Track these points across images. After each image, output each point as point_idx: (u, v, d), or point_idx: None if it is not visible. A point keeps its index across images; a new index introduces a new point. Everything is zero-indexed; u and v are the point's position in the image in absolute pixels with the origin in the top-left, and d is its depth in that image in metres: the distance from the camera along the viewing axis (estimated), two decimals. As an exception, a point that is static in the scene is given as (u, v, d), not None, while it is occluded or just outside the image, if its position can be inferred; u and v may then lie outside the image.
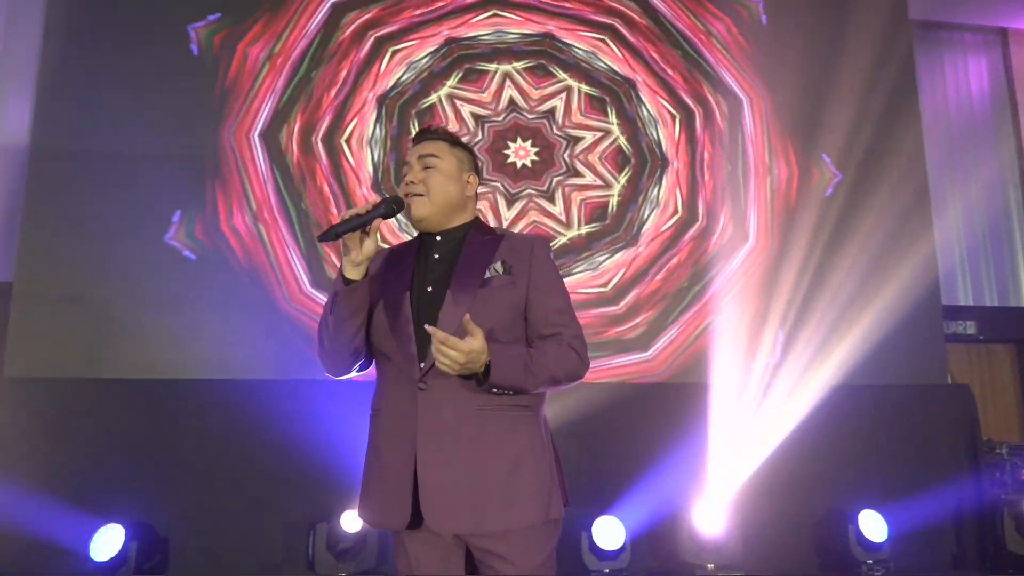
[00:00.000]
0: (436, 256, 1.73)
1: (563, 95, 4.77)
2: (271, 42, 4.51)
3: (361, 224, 1.59)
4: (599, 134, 4.77)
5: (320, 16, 4.59)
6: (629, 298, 4.58)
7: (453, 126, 4.64)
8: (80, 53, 4.35)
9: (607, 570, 4.00)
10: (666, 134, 4.83)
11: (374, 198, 1.72)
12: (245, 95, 4.44)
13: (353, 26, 4.61)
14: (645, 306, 4.59)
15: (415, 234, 1.84)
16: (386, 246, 1.86)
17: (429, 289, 1.68)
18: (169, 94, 4.35)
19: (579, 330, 1.72)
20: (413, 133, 1.98)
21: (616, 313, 4.55)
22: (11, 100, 4.48)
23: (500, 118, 4.71)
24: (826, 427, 4.36)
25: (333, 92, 4.55)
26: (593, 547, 4.00)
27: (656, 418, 4.27)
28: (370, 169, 4.51)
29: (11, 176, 4.42)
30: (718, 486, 4.21)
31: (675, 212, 4.76)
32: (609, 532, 4.03)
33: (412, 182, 1.72)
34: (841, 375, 4.57)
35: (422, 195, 1.71)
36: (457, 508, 1.55)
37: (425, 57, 4.66)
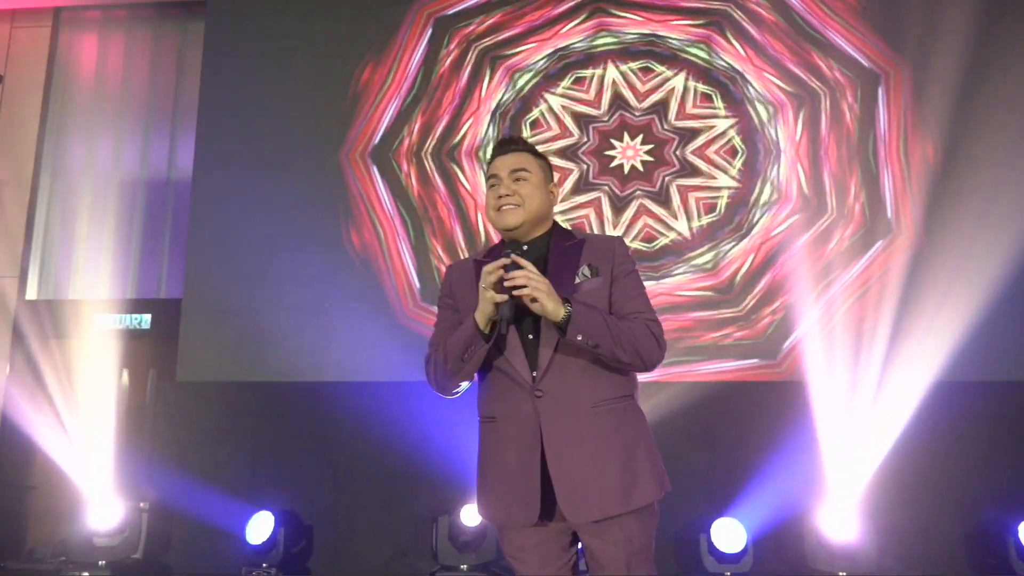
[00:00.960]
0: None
1: (671, 89, 4.73)
2: (383, 65, 4.87)
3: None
4: (712, 127, 4.68)
5: (426, 34, 4.88)
6: (749, 298, 4.44)
7: (558, 131, 4.75)
8: (231, 92, 4.94)
9: (728, 574, 3.91)
10: (784, 121, 4.64)
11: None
12: (363, 115, 4.82)
13: (457, 40, 4.86)
14: (766, 306, 4.43)
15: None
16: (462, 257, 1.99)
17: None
18: (302, 119, 4.82)
19: (656, 318, 1.79)
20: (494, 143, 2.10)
21: (737, 315, 4.42)
22: (181, 139, 5.17)
23: (606, 119, 4.75)
24: (966, 426, 3.98)
25: (444, 108, 4.81)
26: (712, 549, 3.93)
27: (771, 416, 4.11)
28: (483, 183, 4.71)
29: (179, 208, 5.07)
30: (844, 488, 3.97)
31: (797, 204, 4.56)
32: (729, 534, 3.93)
33: (506, 195, 1.81)
34: (985, 371, 4.15)
35: (518, 206, 1.81)
36: (589, 498, 1.67)
37: (537, 63, 4.81)
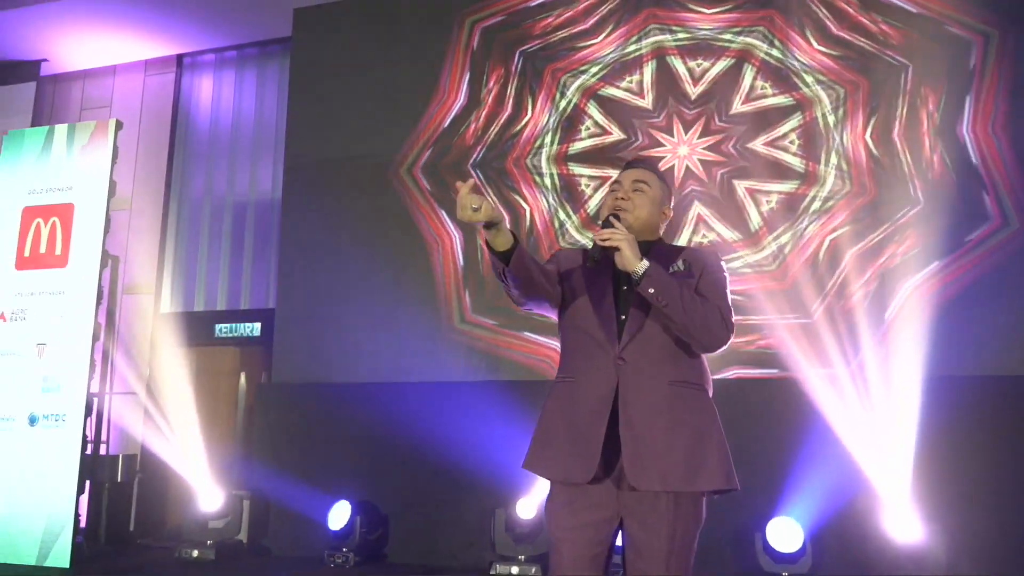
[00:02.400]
0: (592, 260, 1.88)
1: (730, 80, 4.65)
2: (436, 82, 5.16)
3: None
4: (775, 118, 4.56)
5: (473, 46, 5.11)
6: (816, 298, 4.30)
7: (608, 131, 4.81)
8: (312, 119, 5.44)
9: (785, 574, 3.84)
10: (852, 108, 4.43)
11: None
12: (418, 131, 5.14)
13: (502, 48, 5.05)
14: (832, 304, 4.27)
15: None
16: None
17: (624, 288, 1.90)
18: (372, 139, 5.22)
19: (729, 307, 1.89)
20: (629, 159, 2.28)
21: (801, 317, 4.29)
22: (261, 164, 5.72)
23: (656, 115, 4.76)
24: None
25: (494, 118, 5.02)
26: (768, 548, 3.87)
27: (823, 413, 3.98)
28: (548, 184, 4.88)
29: (265, 226, 5.61)
30: (905, 489, 3.77)
31: (872, 193, 4.35)
32: (785, 533, 3.86)
33: (622, 198, 1.98)
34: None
35: (628, 210, 1.96)
36: (655, 466, 1.72)
37: (586, 65, 4.91)
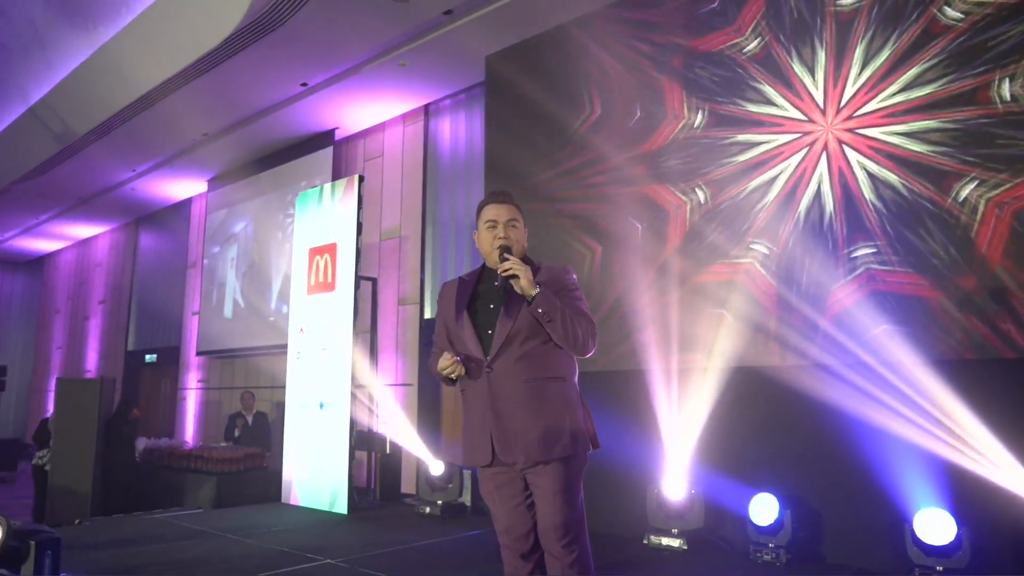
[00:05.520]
0: (496, 283, 2.44)
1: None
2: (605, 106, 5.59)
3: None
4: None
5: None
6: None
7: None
8: (508, 148, 6.29)
9: (939, 567, 3.60)
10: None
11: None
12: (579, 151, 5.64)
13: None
14: None
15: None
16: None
17: (491, 306, 2.48)
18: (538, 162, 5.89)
19: (592, 320, 2.39)
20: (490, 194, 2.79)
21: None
22: (479, 188, 6.71)
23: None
24: None
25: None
26: (916, 540, 3.66)
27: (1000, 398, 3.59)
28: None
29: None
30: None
31: None
32: (935, 525, 3.61)
33: (505, 237, 2.49)
34: None
35: (511, 247, 2.49)
36: (516, 446, 2.32)
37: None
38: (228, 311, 10.12)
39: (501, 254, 2.38)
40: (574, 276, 2.48)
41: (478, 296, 2.50)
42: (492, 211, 2.50)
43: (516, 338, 2.32)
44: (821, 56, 4.53)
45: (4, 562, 2.88)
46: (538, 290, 2.29)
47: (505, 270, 2.31)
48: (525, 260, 2.47)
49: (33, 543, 2.90)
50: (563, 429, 2.28)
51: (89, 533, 5.35)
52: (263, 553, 4.52)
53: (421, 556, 4.47)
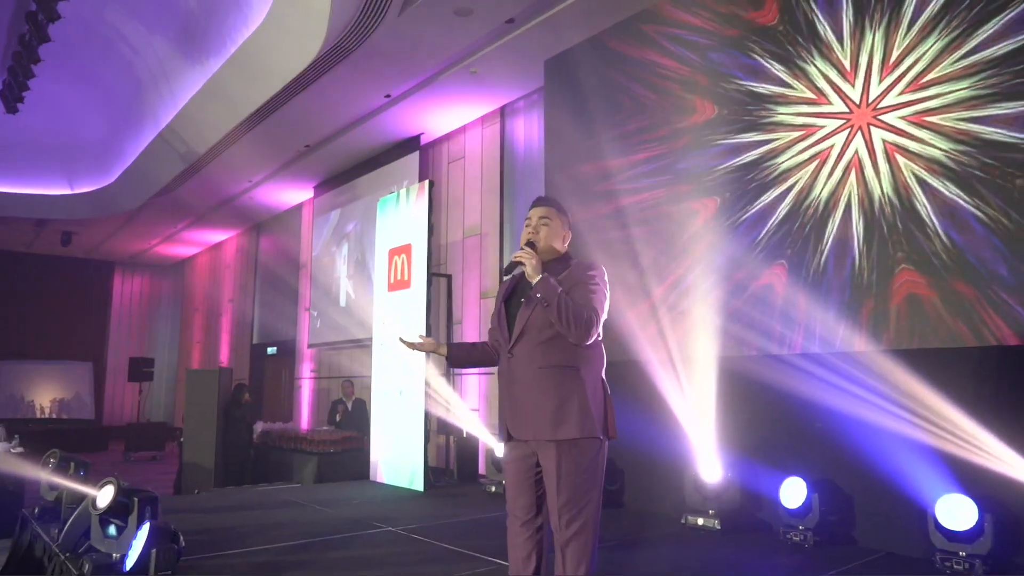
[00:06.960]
0: (503, 273, 2.91)
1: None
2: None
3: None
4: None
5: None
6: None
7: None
8: (567, 150, 6.60)
9: (962, 552, 3.62)
10: None
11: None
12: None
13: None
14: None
15: None
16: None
17: (522, 299, 2.77)
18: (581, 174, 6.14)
19: (596, 311, 2.61)
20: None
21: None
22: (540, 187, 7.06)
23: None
24: None
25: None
26: (939, 526, 3.69)
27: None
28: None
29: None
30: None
31: None
32: (957, 511, 3.63)
33: (532, 231, 2.82)
34: None
35: (536, 241, 2.82)
36: (527, 425, 2.64)
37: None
38: (343, 303, 11.05)
39: (522, 247, 2.67)
40: (596, 272, 2.66)
41: (518, 290, 2.79)
42: (530, 212, 2.82)
43: (533, 327, 2.57)
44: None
45: (116, 513, 3.60)
46: (539, 277, 2.51)
47: (516, 257, 2.60)
48: (564, 256, 2.76)
49: (136, 499, 3.59)
50: (569, 413, 2.49)
51: (204, 500, 6.23)
52: (335, 520, 5.13)
53: (472, 528, 4.92)
